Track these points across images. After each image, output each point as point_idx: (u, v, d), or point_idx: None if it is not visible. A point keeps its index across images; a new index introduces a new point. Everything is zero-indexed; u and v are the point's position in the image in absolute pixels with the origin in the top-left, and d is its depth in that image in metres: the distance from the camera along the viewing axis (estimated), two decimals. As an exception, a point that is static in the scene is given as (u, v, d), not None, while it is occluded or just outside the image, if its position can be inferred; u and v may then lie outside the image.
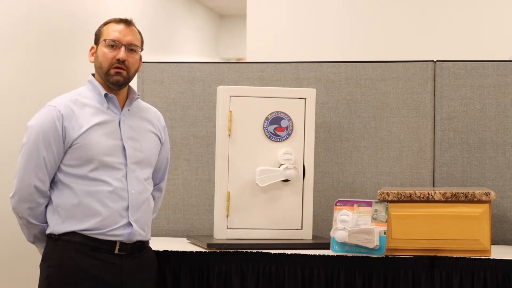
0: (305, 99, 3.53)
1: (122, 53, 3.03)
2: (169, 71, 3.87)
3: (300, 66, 3.82)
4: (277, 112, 3.50)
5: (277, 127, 3.50)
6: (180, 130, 3.86)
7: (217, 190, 3.50)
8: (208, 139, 3.84)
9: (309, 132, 3.52)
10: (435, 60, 3.75)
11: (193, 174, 3.86)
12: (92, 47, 3.09)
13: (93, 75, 3.11)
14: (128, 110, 3.11)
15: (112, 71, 3.03)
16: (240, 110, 3.48)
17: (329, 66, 3.81)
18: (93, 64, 3.11)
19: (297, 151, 3.51)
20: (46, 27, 5.57)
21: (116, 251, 3.00)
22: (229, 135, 3.48)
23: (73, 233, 2.97)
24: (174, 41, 8.40)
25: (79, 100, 3.03)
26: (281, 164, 3.47)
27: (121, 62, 3.03)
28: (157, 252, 3.27)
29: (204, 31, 10.63)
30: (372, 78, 3.78)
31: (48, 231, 3.02)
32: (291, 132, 3.51)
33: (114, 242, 3.00)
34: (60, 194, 2.99)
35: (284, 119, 3.51)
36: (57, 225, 2.98)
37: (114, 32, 3.05)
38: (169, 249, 3.33)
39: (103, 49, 3.04)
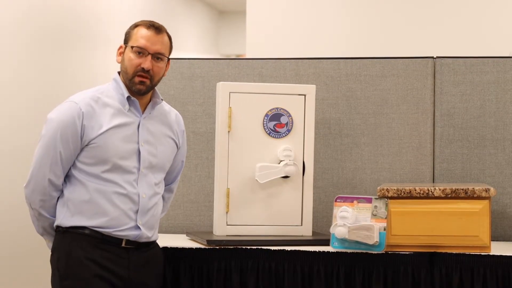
0: (304, 95, 3.52)
1: (148, 63, 3.00)
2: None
3: (299, 63, 3.81)
4: (277, 108, 3.50)
5: (276, 123, 3.50)
6: None
7: (216, 186, 3.49)
8: (207, 136, 3.84)
9: (308, 128, 3.52)
10: (435, 56, 3.75)
11: (193, 170, 3.85)
12: (121, 47, 3.07)
13: (118, 73, 3.09)
14: (150, 113, 3.10)
15: (136, 79, 3.01)
16: (239, 106, 3.48)
17: (329, 62, 3.80)
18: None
19: (297, 148, 3.50)
20: (46, 24, 5.57)
21: (123, 245, 3.01)
22: (228, 131, 3.47)
23: (80, 226, 2.98)
24: (174, 38, 8.35)
25: (102, 99, 3.01)
26: (281, 161, 3.47)
27: (145, 71, 3.00)
28: None
29: (203, 27, 10.62)
30: (371, 75, 3.77)
31: (56, 223, 3.02)
32: (291, 128, 3.50)
33: (121, 238, 3.01)
34: (73, 189, 2.99)
35: (283, 115, 3.50)
36: (65, 218, 2.99)
37: (143, 39, 3.01)
38: (169, 245, 3.34)
39: (129, 55, 3.01)
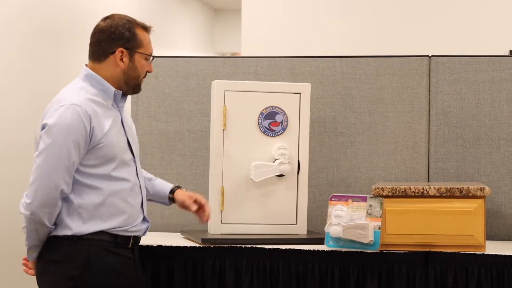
0: (300, 93, 3.51)
1: (152, 66, 3.09)
2: (163, 66, 3.84)
3: (295, 61, 3.80)
4: (272, 106, 3.49)
5: (271, 121, 3.49)
6: (174, 125, 3.84)
7: (211, 185, 3.49)
8: (202, 134, 3.82)
9: (303, 127, 3.51)
10: (430, 55, 3.73)
11: (188, 169, 3.85)
12: (121, 51, 3.00)
13: (86, 65, 3.05)
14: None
15: (141, 82, 3.08)
16: (234, 104, 3.46)
17: (324, 60, 3.79)
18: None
19: (292, 146, 3.49)
20: (42, 22, 5.55)
21: (130, 245, 3.01)
22: (223, 129, 3.46)
23: (96, 231, 2.94)
24: (169, 36, 8.38)
25: (91, 98, 2.96)
26: (276, 159, 3.46)
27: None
28: (151, 247, 3.29)
29: (199, 26, 10.61)
30: (367, 73, 3.76)
31: (65, 233, 2.92)
32: (286, 127, 3.50)
33: (130, 236, 3.01)
34: (80, 194, 2.92)
35: (278, 113, 3.49)
36: (79, 227, 2.92)
37: (150, 45, 3.06)
38: (163, 244, 3.33)
39: (143, 62, 3.04)
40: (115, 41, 3.00)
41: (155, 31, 3.12)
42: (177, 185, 3.35)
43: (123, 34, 3.00)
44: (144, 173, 3.27)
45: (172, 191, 3.31)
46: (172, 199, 3.31)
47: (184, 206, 3.29)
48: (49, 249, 2.96)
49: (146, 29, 3.05)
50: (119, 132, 3.01)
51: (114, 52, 3.00)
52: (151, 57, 3.06)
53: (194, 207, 3.26)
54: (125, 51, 3.00)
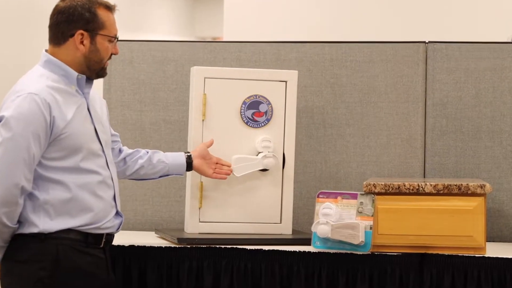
0: (286, 82, 3.47)
1: (118, 48, 3.04)
2: (138, 50, 3.80)
3: (281, 46, 3.76)
4: (256, 95, 3.45)
5: (255, 112, 3.45)
6: (150, 115, 3.79)
7: (189, 179, 3.44)
8: (180, 124, 3.76)
9: (290, 117, 3.47)
10: (427, 41, 3.71)
11: (164, 161, 3.82)
12: (82, 34, 2.93)
13: (46, 51, 2.98)
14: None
15: (106, 65, 3.03)
16: (215, 93, 3.43)
17: (313, 46, 3.75)
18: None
19: (277, 138, 3.46)
20: (9, 3, 5.48)
21: (102, 245, 2.97)
22: (203, 120, 3.42)
23: (64, 229, 2.88)
24: (145, 18, 8.49)
25: (53, 85, 2.90)
26: (259, 152, 3.42)
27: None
28: (123, 246, 3.25)
29: (178, 8, 10.85)
30: (358, 60, 3.72)
31: (31, 230, 2.85)
32: (271, 117, 3.45)
33: (102, 235, 2.96)
34: (46, 189, 2.86)
35: (263, 103, 3.45)
36: (46, 224, 2.85)
37: (114, 26, 3.00)
38: (136, 243, 3.28)
39: (106, 44, 2.98)
40: (74, 23, 2.94)
41: (120, 12, 3.07)
42: (185, 151, 3.37)
43: (83, 15, 2.94)
44: (130, 151, 3.27)
45: (188, 156, 3.33)
46: (189, 163, 3.31)
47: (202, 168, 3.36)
48: (15, 248, 2.89)
49: (109, 8, 3.01)
50: (85, 120, 2.94)
51: (73, 35, 2.94)
52: (115, 39, 3.01)
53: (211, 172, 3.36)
54: (85, 33, 2.95)
